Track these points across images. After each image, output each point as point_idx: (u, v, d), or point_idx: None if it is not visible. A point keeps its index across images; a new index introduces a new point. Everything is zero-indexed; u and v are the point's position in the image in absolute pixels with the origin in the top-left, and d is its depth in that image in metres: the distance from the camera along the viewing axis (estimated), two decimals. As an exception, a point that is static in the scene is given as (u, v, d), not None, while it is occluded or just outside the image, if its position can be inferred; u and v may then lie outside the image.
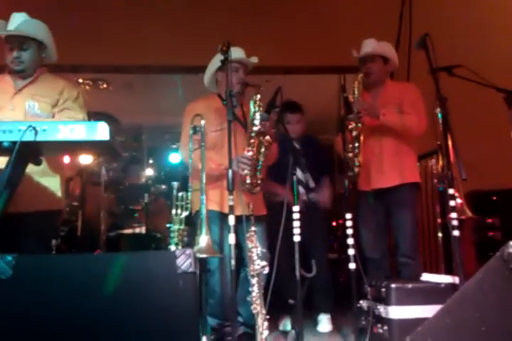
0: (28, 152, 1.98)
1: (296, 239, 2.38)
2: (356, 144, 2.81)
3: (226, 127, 2.48)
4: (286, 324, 3.18)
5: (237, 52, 2.67)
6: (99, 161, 3.74)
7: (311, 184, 3.41)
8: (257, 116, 2.54)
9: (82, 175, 3.71)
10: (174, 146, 5.04)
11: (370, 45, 3.04)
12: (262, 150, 2.59)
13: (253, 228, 2.38)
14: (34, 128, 1.89)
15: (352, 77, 3.17)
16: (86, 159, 3.49)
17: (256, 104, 2.57)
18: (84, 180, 3.79)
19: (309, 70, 4.52)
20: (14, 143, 1.89)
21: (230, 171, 2.23)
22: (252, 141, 2.57)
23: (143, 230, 4.11)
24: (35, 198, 2.41)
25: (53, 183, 2.53)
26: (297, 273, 2.34)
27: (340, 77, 4.73)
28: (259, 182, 2.59)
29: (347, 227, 2.53)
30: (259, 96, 2.57)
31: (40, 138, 1.90)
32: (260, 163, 2.59)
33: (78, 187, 3.69)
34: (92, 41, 4.28)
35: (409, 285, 2.37)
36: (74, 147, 2.09)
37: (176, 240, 2.41)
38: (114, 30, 4.42)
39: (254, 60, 2.86)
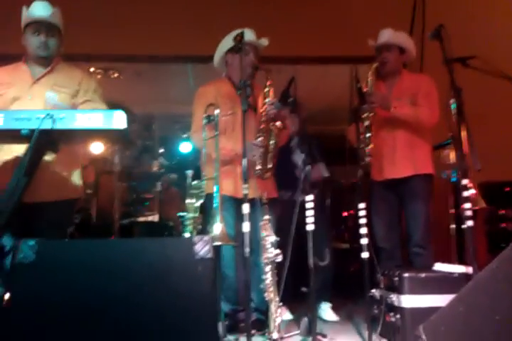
0: (45, 140, 2.00)
1: (309, 227, 2.40)
2: (368, 134, 2.82)
3: (237, 111, 2.51)
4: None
5: (247, 34, 2.66)
6: (111, 150, 3.77)
7: (326, 174, 3.40)
8: (268, 101, 2.55)
9: (95, 163, 3.75)
10: (185, 135, 5.05)
11: (387, 35, 3.03)
12: (273, 136, 2.60)
13: (266, 216, 2.40)
14: (52, 117, 1.92)
15: (364, 67, 3.16)
16: (99, 148, 3.52)
17: (267, 90, 2.57)
18: (98, 168, 3.82)
19: (321, 60, 4.50)
20: (32, 131, 1.91)
21: (245, 160, 2.24)
22: (262, 126, 2.59)
23: (155, 218, 4.15)
24: (56, 187, 2.43)
25: (72, 172, 2.55)
26: (310, 262, 2.36)
27: (353, 67, 4.70)
28: (269, 167, 2.60)
29: (360, 217, 2.54)
30: (269, 81, 2.57)
31: (57, 126, 1.92)
32: (271, 148, 2.60)
33: (92, 176, 3.72)
34: (104, 30, 4.29)
35: (422, 275, 2.38)
36: (91, 135, 2.11)
37: (190, 228, 2.44)
38: (125, 20, 4.42)
39: (265, 42, 2.85)
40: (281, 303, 2.38)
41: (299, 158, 3.25)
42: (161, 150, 4.33)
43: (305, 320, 2.46)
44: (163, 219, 4.04)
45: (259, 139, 2.56)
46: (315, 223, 2.33)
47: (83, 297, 1.65)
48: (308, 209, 2.42)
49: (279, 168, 2.92)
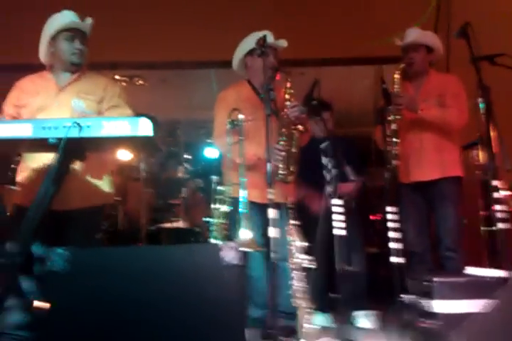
0: (73, 148, 2.02)
1: (337, 232, 2.37)
2: (394, 139, 2.77)
3: (258, 116, 2.50)
4: (325, 318, 3.17)
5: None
6: (138, 157, 3.81)
7: (352, 177, 3.35)
8: (289, 105, 2.54)
9: (122, 170, 3.79)
10: (209, 141, 5.08)
11: (413, 34, 2.99)
12: (294, 139, 2.59)
13: (292, 221, 2.37)
14: (79, 125, 1.93)
15: (390, 67, 3.12)
16: (126, 155, 3.55)
17: (287, 93, 2.56)
18: (125, 175, 3.87)
19: (345, 62, 4.46)
20: (60, 139, 1.94)
21: (269, 165, 2.23)
22: (283, 130, 2.57)
23: (181, 224, 4.17)
24: (84, 194, 2.46)
25: (100, 179, 2.57)
26: (339, 267, 2.33)
27: (377, 67, 4.64)
28: (291, 170, 2.59)
29: (388, 220, 2.50)
30: (289, 84, 2.56)
31: (84, 134, 1.94)
32: (293, 152, 2.58)
33: (119, 183, 3.76)
34: (128, 38, 4.35)
35: (454, 279, 2.33)
36: (117, 143, 2.12)
37: (216, 234, 2.44)
38: (148, 27, 4.48)
39: (284, 43, 2.83)
40: (310, 309, 2.35)
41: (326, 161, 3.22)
42: (187, 156, 4.35)
43: (335, 327, 2.42)
44: (189, 225, 4.06)
45: (281, 143, 2.54)
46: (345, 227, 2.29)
47: (111, 304, 1.66)
48: (336, 213, 2.40)
49: (308, 171, 2.91)
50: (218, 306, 1.65)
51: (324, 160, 3.13)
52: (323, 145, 2.70)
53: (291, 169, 2.59)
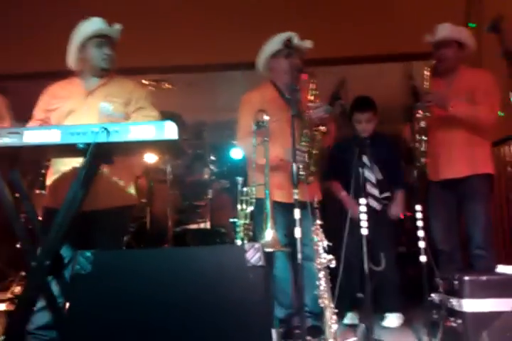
0: (100, 152, 2.06)
1: (364, 232, 2.36)
2: (424, 137, 2.74)
3: (282, 117, 2.51)
4: (352, 317, 3.16)
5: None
6: (164, 159, 3.86)
7: (378, 176, 3.32)
8: (312, 106, 2.53)
9: (148, 173, 3.84)
10: (234, 142, 5.10)
11: (445, 30, 2.91)
12: (317, 140, 2.58)
13: (318, 221, 2.37)
14: (106, 130, 1.97)
15: (419, 63, 3.06)
16: (152, 158, 3.60)
17: (311, 94, 2.55)
18: (151, 177, 3.92)
19: (373, 59, 4.40)
20: (88, 144, 1.98)
21: (295, 165, 2.24)
22: (305, 131, 2.57)
23: (207, 225, 4.20)
24: (110, 196, 2.51)
25: (126, 181, 2.62)
26: (365, 267, 2.32)
27: (406, 64, 4.57)
28: (312, 171, 2.58)
29: (417, 219, 2.47)
30: (313, 85, 2.56)
31: (112, 139, 1.97)
32: (315, 153, 2.58)
33: (145, 185, 3.82)
34: (154, 43, 4.41)
35: (484, 278, 2.28)
36: (143, 147, 2.16)
37: (241, 234, 2.45)
38: (174, 32, 4.54)
39: (309, 44, 2.83)
40: (336, 310, 2.34)
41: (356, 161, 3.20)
42: (212, 158, 4.38)
43: (362, 327, 2.41)
44: (214, 226, 4.08)
45: (303, 144, 2.54)
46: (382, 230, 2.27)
47: (137, 306, 1.68)
48: (362, 212, 2.39)
49: (338, 171, 2.89)
50: (244, 307, 1.66)
51: (365, 159, 3.13)
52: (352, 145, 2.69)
53: (312, 170, 2.58)
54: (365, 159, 2.99)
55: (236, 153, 4.40)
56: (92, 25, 2.58)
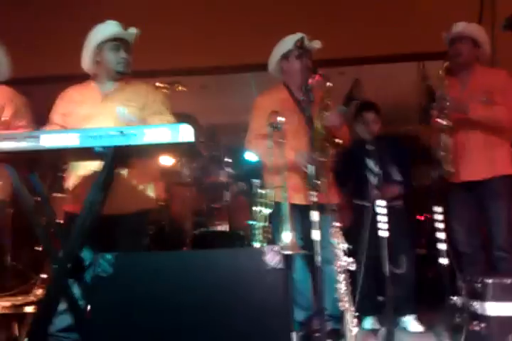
0: (118, 156, 2.06)
1: (383, 234, 2.33)
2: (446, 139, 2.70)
3: (293, 120, 2.48)
4: (372, 321, 3.12)
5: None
6: (181, 162, 3.86)
7: (397, 177, 3.27)
8: (326, 114, 2.51)
9: (166, 175, 3.84)
10: (245, 145, 5.07)
11: (461, 26, 2.92)
12: (327, 151, 2.55)
13: (337, 224, 2.35)
14: (123, 133, 1.97)
15: (433, 63, 3.04)
16: (169, 160, 3.61)
17: (325, 98, 2.53)
18: (169, 180, 3.93)
19: (386, 59, 4.36)
20: (105, 148, 1.98)
21: (312, 167, 2.22)
22: (318, 143, 2.52)
23: (224, 228, 4.19)
24: (130, 199, 2.52)
25: (145, 184, 2.63)
26: (386, 270, 2.29)
27: (420, 64, 4.53)
28: (323, 179, 2.55)
29: (436, 221, 2.43)
30: (327, 87, 2.53)
31: (129, 142, 1.97)
32: (326, 164, 2.53)
33: (163, 188, 3.82)
34: (168, 46, 4.43)
35: (508, 281, 2.24)
36: (160, 149, 2.16)
37: (259, 237, 2.44)
38: (186, 34, 4.55)
39: (318, 44, 2.81)
40: (357, 313, 2.31)
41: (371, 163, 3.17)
42: (228, 160, 4.38)
43: (382, 331, 2.38)
44: (233, 229, 4.08)
45: (315, 154, 2.51)
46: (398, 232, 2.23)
47: (158, 308, 1.68)
48: (381, 214, 2.36)
49: (355, 173, 2.85)
50: (264, 310, 1.65)
51: (369, 162, 3.10)
52: (367, 147, 2.67)
53: (322, 179, 2.55)
54: (372, 162, 2.97)
55: (251, 156, 4.39)
56: (108, 28, 2.58)
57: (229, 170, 4.36)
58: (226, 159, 4.38)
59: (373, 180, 3.09)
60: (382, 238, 2.33)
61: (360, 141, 2.93)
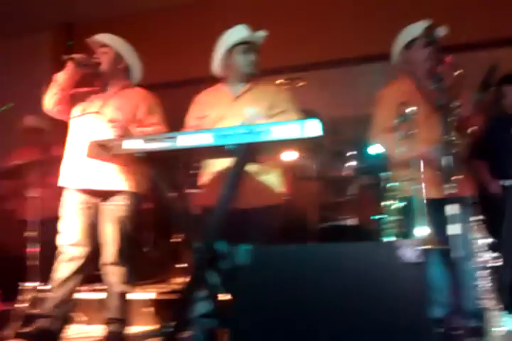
0: (248, 153, 2.15)
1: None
2: None
3: (420, 111, 2.38)
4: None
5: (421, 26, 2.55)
6: (305, 156, 3.90)
7: None
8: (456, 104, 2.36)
9: (292, 170, 3.91)
10: (370, 139, 4.93)
11: None
12: (461, 140, 2.39)
13: (479, 217, 2.21)
14: (252, 131, 2.05)
15: None
16: (293, 155, 3.65)
17: (455, 86, 2.38)
18: (294, 175, 3.98)
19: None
20: (236, 145, 2.08)
21: (445, 159, 2.11)
22: (448, 134, 2.39)
23: (350, 222, 4.15)
24: (260, 194, 2.62)
25: (273, 180, 2.72)
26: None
27: None
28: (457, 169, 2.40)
29: None
30: (457, 79, 2.38)
31: (258, 139, 2.04)
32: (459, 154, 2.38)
33: (289, 182, 3.88)
34: (288, 43, 4.49)
35: None
36: (287, 145, 2.20)
37: (391, 231, 2.39)
38: (305, 29, 4.58)
39: (445, 31, 2.65)
40: (499, 311, 2.17)
41: None
42: (352, 153, 4.33)
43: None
44: (358, 223, 4.02)
45: (448, 145, 2.38)
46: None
47: (294, 298, 1.73)
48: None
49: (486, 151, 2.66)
50: (400, 305, 1.62)
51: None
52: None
53: (457, 171, 2.41)
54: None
55: (376, 148, 4.28)
56: (238, 32, 2.71)
57: (353, 163, 4.30)
58: (350, 153, 4.33)
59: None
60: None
61: (502, 117, 2.71)
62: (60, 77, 2.86)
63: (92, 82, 3.07)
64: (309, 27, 4.64)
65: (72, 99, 2.96)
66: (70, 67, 2.82)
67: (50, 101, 2.89)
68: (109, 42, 2.95)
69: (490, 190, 2.34)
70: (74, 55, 2.80)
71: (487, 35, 3.91)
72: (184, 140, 2.13)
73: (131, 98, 2.97)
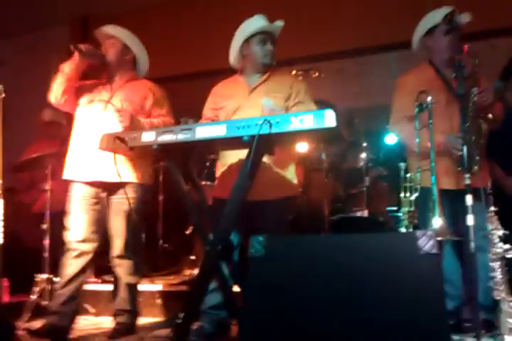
0: (264, 144, 2.15)
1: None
2: None
3: (440, 99, 2.36)
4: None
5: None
6: (319, 147, 3.89)
7: None
8: (476, 90, 2.34)
9: (303, 162, 3.90)
10: (389, 127, 4.88)
11: None
12: (481, 129, 2.37)
13: (492, 208, 2.21)
14: (269, 122, 2.05)
15: None
16: (305, 146, 3.65)
17: (474, 75, 2.35)
18: (307, 166, 3.98)
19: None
20: (252, 136, 2.08)
21: (465, 148, 2.10)
22: (468, 122, 2.37)
23: (363, 213, 4.13)
24: (274, 186, 2.62)
25: (288, 172, 2.72)
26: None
27: None
28: (477, 160, 2.39)
29: None
30: (477, 68, 2.35)
31: (274, 130, 2.04)
32: (478, 142, 2.36)
33: (301, 174, 3.88)
34: (301, 33, 4.45)
35: None
36: (304, 136, 2.20)
37: (405, 223, 2.38)
38: (319, 20, 4.53)
39: (467, 17, 2.61)
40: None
41: None
42: (366, 144, 4.30)
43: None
44: (372, 215, 4.01)
45: (468, 134, 2.36)
46: None
47: (309, 290, 1.73)
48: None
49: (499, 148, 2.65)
50: (416, 295, 1.61)
51: None
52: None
53: (475, 161, 2.40)
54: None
55: (391, 139, 4.25)
56: (256, 22, 2.70)
57: (368, 154, 4.28)
58: (364, 143, 4.30)
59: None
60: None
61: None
62: (67, 67, 2.84)
63: (99, 74, 3.05)
64: (322, 17, 4.60)
65: (79, 91, 2.95)
66: (76, 57, 2.81)
67: (56, 91, 2.87)
68: (115, 34, 2.94)
69: (505, 187, 2.30)
70: (80, 45, 2.79)
71: (507, 22, 3.83)
72: (201, 131, 2.14)
73: (139, 89, 2.97)
